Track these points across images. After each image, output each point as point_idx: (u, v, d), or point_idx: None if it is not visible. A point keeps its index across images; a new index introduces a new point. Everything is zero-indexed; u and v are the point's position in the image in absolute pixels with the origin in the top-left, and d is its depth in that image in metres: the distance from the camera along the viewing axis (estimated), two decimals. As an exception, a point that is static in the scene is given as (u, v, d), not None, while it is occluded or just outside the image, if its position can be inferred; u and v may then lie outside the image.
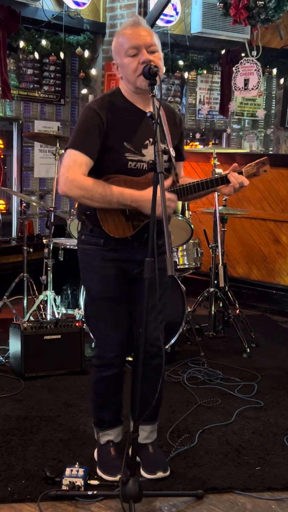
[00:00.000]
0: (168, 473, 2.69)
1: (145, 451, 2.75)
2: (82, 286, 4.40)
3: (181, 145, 2.73)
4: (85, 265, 2.63)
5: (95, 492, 2.52)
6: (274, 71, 8.35)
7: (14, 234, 6.28)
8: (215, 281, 4.60)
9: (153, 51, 2.42)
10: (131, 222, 2.48)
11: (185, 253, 4.46)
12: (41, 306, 4.51)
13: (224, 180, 2.56)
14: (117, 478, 2.59)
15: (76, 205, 3.43)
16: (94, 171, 2.44)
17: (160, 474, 2.66)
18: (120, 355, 2.64)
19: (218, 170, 4.56)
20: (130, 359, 3.89)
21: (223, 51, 7.37)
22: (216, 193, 4.52)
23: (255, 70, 6.24)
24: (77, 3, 6.21)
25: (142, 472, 2.69)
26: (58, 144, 4.54)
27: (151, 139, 2.46)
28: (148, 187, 2.39)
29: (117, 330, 2.61)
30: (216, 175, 2.61)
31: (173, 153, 2.45)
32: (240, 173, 2.57)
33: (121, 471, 2.49)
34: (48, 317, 4.38)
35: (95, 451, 2.82)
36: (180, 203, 4.05)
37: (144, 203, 2.36)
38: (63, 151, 4.60)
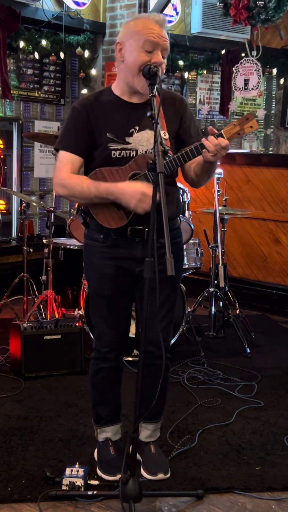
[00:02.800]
0: (168, 475, 2.69)
1: (148, 451, 2.76)
2: (82, 286, 4.40)
3: (188, 129, 2.57)
4: (87, 260, 2.67)
5: (95, 492, 2.52)
6: (274, 71, 8.34)
7: (14, 234, 6.28)
8: (215, 281, 4.60)
9: (164, 56, 2.42)
10: (123, 211, 2.45)
11: (185, 253, 4.45)
12: (41, 306, 4.51)
13: (196, 152, 2.39)
14: (117, 477, 2.59)
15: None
16: (86, 167, 2.50)
17: (161, 476, 2.67)
18: (113, 351, 2.65)
19: (218, 170, 4.56)
20: (130, 359, 3.91)
21: (223, 51, 7.37)
22: (216, 193, 4.52)
23: (255, 70, 6.24)
24: (77, 3, 6.21)
25: (143, 472, 2.70)
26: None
27: (137, 127, 2.46)
28: (129, 173, 2.42)
29: (112, 327, 2.63)
30: (192, 146, 2.40)
31: (165, 136, 2.43)
32: (220, 134, 2.34)
33: (120, 470, 2.48)
34: (48, 317, 4.38)
35: (95, 451, 2.82)
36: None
37: (120, 195, 2.36)
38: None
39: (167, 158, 2.37)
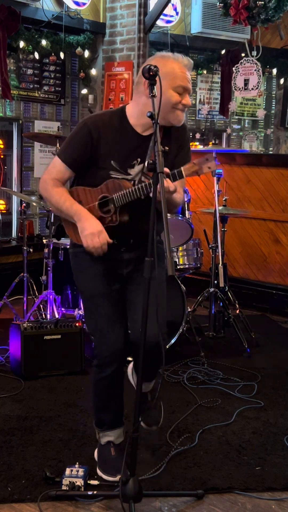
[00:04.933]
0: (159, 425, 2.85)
1: (144, 399, 2.79)
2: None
3: (181, 157, 2.64)
4: (76, 266, 2.71)
5: (95, 492, 2.52)
6: (274, 71, 8.35)
7: (14, 234, 6.28)
8: (215, 281, 4.60)
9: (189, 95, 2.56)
10: None
11: (185, 253, 4.46)
12: (41, 306, 4.51)
13: (148, 188, 2.44)
14: (117, 478, 2.59)
15: None
16: (82, 181, 2.61)
17: (154, 428, 2.84)
18: (116, 352, 2.62)
19: (218, 170, 4.56)
20: (129, 358, 3.91)
21: (223, 51, 7.37)
22: (216, 193, 4.52)
23: (255, 70, 6.24)
24: (77, 3, 6.21)
25: (143, 425, 2.80)
26: (58, 144, 4.53)
27: (139, 159, 2.55)
28: (99, 195, 2.54)
29: (112, 327, 2.62)
30: (142, 184, 2.48)
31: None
32: (180, 172, 2.42)
33: (121, 471, 2.49)
34: (48, 317, 4.38)
35: (95, 451, 2.82)
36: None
37: (84, 230, 2.49)
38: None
39: (140, 184, 2.46)
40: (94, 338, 2.72)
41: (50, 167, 2.61)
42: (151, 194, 2.37)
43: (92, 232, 2.48)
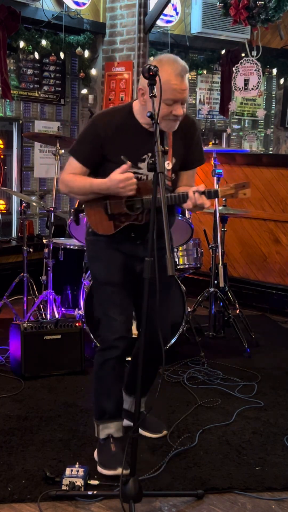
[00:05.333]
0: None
1: (142, 416, 2.89)
2: (82, 286, 4.40)
3: (194, 153, 2.78)
4: (93, 253, 2.83)
5: (95, 492, 2.52)
6: (274, 71, 8.34)
7: (14, 234, 6.28)
8: (215, 281, 4.60)
9: (185, 102, 2.60)
10: (113, 222, 2.70)
11: (185, 253, 4.45)
12: (41, 306, 4.51)
13: (182, 199, 2.59)
14: (118, 471, 2.59)
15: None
16: (96, 176, 2.69)
17: (164, 432, 3.05)
18: (122, 338, 2.70)
19: (218, 170, 4.56)
20: (129, 359, 3.90)
21: (223, 51, 7.37)
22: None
23: (255, 70, 6.24)
24: (77, 3, 6.21)
25: (146, 433, 3.01)
26: (58, 144, 4.54)
27: (149, 154, 2.63)
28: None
29: (121, 313, 2.72)
30: (179, 193, 2.62)
31: (168, 166, 2.65)
32: (216, 192, 2.58)
33: (121, 464, 2.52)
34: (48, 317, 4.38)
35: (95, 451, 2.82)
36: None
37: (109, 183, 2.57)
38: (62, 151, 4.64)
39: (169, 193, 2.60)
40: (101, 323, 2.78)
41: (66, 166, 2.73)
42: (184, 205, 2.56)
43: (124, 184, 2.55)
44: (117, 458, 2.68)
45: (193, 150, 2.78)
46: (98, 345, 4.05)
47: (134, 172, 2.60)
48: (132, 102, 2.69)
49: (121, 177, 2.54)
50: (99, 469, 2.71)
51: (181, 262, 4.47)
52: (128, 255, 2.73)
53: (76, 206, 4.27)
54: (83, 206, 2.81)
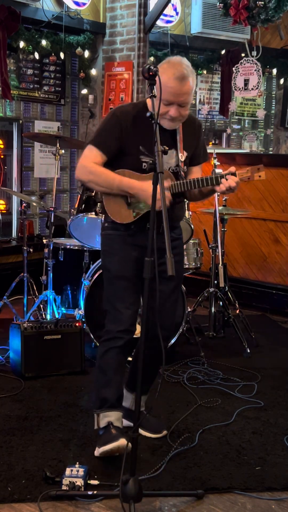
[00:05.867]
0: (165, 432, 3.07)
1: (142, 415, 2.93)
2: (82, 286, 4.40)
3: (199, 150, 2.96)
4: (107, 248, 2.90)
5: (95, 492, 2.52)
6: (274, 71, 8.35)
7: (14, 234, 6.28)
8: (215, 281, 4.60)
9: (184, 105, 2.69)
10: (132, 210, 2.78)
11: (185, 253, 4.45)
12: (41, 306, 4.51)
13: (215, 181, 2.74)
14: (120, 442, 2.67)
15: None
16: (114, 168, 2.77)
17: (164, 433, 3.06)
18: (127, 331, 2.80)
19: (218, 170, 4.56)
20: (129, 359, 3.90)
21: (223, 51, 7.37)
22: (216, 193, 4.52)
23: (255, 70, 6.24)
24: (77, 3, 6.21)
25: (146, 433, 3.02)
26: (58, 144, 4.53)
27: (165, 146, 2.67)
28: (148, 180, 2.64)
29: (128, 308, 2.81)
30: (215, 175, 2.77)
31: (181, 158, 2.82)
32: (234, 174, 2.75)
33: (122, 438, 2.67)
34: (48, 317, 4.38)
35: (96, 449, 2.83)
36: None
37: (140, 191, 2.69)
38: (63, 151, 4.63)
39: (181, 179, 2.79)
40: (108, 314, 2.86)
41: (86, 154, 2.78)
42: (217, 188, 2.73)
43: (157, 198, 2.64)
44: (116, 438, 2.73)
45: (200, 147, 2.97)
46: (98, 344, 4.08)
47: (152, 162, 2.63)
48: (146, 98, 2.79)
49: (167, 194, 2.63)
50: (97, 450, 2.77)
51: (181, 262, 4.46)
52: (142, 248, 2.73)
53: (76, 206, 4.28)
54: (99, 194, 2.90)
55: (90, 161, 2.75)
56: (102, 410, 2.83)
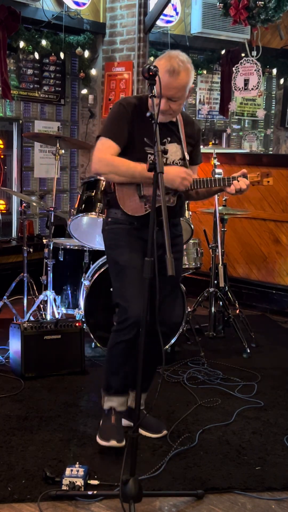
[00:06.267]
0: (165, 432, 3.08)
1: (142, 415, 2.95)
2: (82, 286, 4.40)
3: (197, 151, 2.99)
4: (113, 242, 2.89)
5: (95, 492, 2.52)
6: (274, 71, 8.35)
7: (14, 234, 6.28)
8: (215, 281, 4.60)
9: (175, 99, 2.69)
10: (144, 204, 2.78)
11: (185, 253, 4.45)
12: (41, 306, 4.51)
13: (226, 181, 2.82)
14: (111, 443, 2.78)
15: (102, 188, 3.88)
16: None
17: (164, 432, 3.07)
18: (137, 321, 2.73)
19: (218, 170, 4.56)
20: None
21: (223, 51, 7.37)
22: (217, 194, 4.53)
23: (255, 70, 6.24)
24: (77, 3, 6.21)
25: (147, 433, 3.04)
26: (58, 144, 4.53)
27: (169, 138, 2.79)
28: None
29: (138, 298, 2.73)
30: (228, 177, 2.85)
31: (187, 156, 2.85)
32: (245, 177, 2.82)
33: (115, 438, 2.78)
34: (48, 317, 4.38)
35: (97, 434, 2.91)
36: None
37: (165, 175, 2.55)
38: (63, 151, 4.62)
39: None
40: (119, 305, 2.83)
41: (99, 147, 2.75)
42: (227, 189, 2.80)
43: (183, 177, 2.72)
44: (113, 431, 2.84)
45: (198, 151, 3.00)
46: (98, 345, 4.09)
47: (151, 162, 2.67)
48: (146, 94, 2.80)
49: (187, 169, 2.72)
50: (97, 438, 2.87)
51: (181, 262, 4.46)
52: (146, 242, 2.66)
53: (76, 206, 4.27)
54: (111, 185, 2.85)
55: (106, 153, 2.73)
56: (107, 394, 2.93)
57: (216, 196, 4.51)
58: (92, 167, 2.79)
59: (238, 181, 2.77)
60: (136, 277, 2.78)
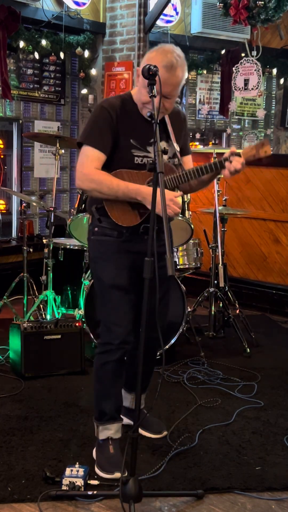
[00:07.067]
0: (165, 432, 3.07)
1: (143, 415, 2.94)
2: (82, 286, 4.40)
3: (186, 141, 2.88)
4: (99, 254, 2.74)
5: (95, 492, 2.52)
6: (274, 71, 8.35)
7: (14, 234, 6.29)
8: (215, 281, 4.60)
9: (170, 97, 2.58)
10: (137, 211, 2.62)
11: (185, 253, 4.46)
12: (41, 306, 4.51)
13: (219, 165, 2.62)
14: (115, 476, 2.61)
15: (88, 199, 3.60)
16: (106, 165, 2.61)
17: (164, 433, 3.04)
18: (124, 342, 2.69)
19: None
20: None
21: (223, 51, 7.37)
22: (216, 193, 4.53)
23: (255, 70, 6.24)
24: (77, 3, 6.21)
25: (147, 434, 3.02)
26: (58, 144, 4.53)
27: (165, 147, 2.61)
28: (147, 179, 2.61)
29: (124, 320, 2.69)
30: (211, 162, 2.66)
31: (177, 148, 2.70)
32: (238, 154, 2.58)
33: (118, 469, 2.59)
34: (48, 317, 4.38)
35: (94, 450, 2.82)
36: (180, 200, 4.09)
37: (148, 197, 2.49)
38: (62, 151, 4.62)
39: (181, 170, 2.65)
40: (103, 325, 2.75)
41: (82, 160, 2.59)
42: (224, 173, 2.59)
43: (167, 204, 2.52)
44: (114, 462, 2.69)
45: (187, 139, 2.89)
46: (97, 345, 4.08)
47: (144, 156, 2.62)
48: (130, 91, 2.72)
49: (176, 194, 2.56)
50: (97, 470, 2.71)
51: (181, 262, 4.47)
52: (136, 254, 2.62)
53: (76, 206, 4.27)
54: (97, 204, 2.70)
55: (90, 166, 2.56)
56: (101, 423, 2.79)
57: (216, 196, 4.51)
58: (76, 182, 2.64)
59: (231, 161, 2.56)
60: (120, 297, 2.67)
